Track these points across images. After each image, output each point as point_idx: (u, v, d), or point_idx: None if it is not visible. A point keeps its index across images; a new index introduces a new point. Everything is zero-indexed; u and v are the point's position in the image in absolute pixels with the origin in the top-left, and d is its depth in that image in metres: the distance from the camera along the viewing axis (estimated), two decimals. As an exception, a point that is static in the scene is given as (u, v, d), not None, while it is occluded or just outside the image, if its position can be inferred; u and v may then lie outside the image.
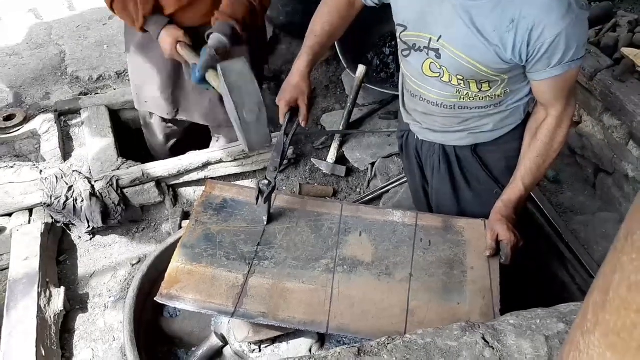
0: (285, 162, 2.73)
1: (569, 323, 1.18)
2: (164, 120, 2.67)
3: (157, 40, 2.23)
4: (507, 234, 1.67)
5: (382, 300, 1.63)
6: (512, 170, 1.78)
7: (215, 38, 2.04)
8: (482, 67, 1.54)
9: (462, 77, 1.61)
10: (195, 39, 2.19)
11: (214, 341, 1.93)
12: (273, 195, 1.82)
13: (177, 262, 1.70)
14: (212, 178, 2.64)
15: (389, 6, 1.73)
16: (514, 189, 1.71)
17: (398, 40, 1.70)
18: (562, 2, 1.40)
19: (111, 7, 2.27)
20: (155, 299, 1.64)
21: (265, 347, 1.87)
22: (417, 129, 1.92)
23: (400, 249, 1.78)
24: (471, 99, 1.68)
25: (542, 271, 2.42)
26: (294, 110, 1.79)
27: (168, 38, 2.18)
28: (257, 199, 1.73)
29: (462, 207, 1.96)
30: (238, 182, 2.70)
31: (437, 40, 1.56)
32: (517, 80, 1.62)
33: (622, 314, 0.63)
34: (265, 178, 1.75)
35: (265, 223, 1.81)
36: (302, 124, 1.79)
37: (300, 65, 1.80)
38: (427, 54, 1.62)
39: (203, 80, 1.95)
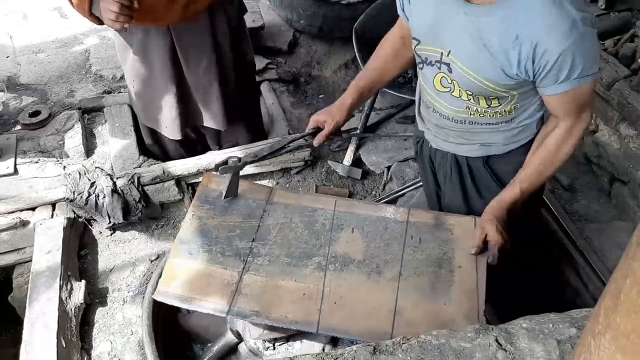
0: (302, 163, 2.77)
1: (580, 328, 1.21)
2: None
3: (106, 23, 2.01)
4: (495, 235, 1.68)
5: (371, 300, 1.65)
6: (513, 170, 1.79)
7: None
8: (489, 83, 1.55)
9: (471, 93, 1.63)
10: None
11: (230, 337, 1.97)
12: (243, 180, 1.91)
13: (174, 258, 1.72)
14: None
15: None
16: (510, 191, 1.72)
17: (414, 52, 1.73)
18: (565, 20, 1.38)
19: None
20: (152, 296, 1.67)
21: (280, 345, 1.90)
22: (430, 137, 1.94)
23: (390, 247, 1.79)
24: (481, 115, 1.70)
25: (555, 278, 2.43)
26: (318, 130, 1.88)
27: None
28: (217, 166, 1.77)
29: (472, 208, 1.97)
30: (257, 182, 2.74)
31: (447, 55, 1.58)
32: (527, 96, 1.63)
33: (632, 317, 0.66)
34: (239, 159, 1.80)
35: (223, 198, 1.85)
36: (314, 143, 1.87)
37: (344, 97, 1.90)
38: (439, 68, 1.64)
39: None
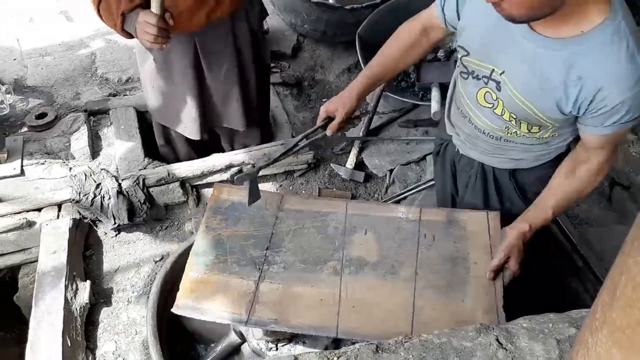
0: (305, 166, 2.79)
1: (579, 328, 1.23)
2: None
3: (138, 39, 2.05)
4: (516, 267, 1.67)
5: (388, 302, 1.66)
6: (535, 184, 1.80)
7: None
8: (539, 112, 1.54)
9: (515, 116, 1.61)
10: None
11: (233, 338, 1.99)
12: (268, 190, 1.87)
13: (191, 272, 1.73)
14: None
15: None
16: (543, 217, 1.70)
17: (458, 60, 1.71)
18: (634, 73, 1.37)
19: (98, 10, 2.11)
20: (172, 310, 1.67)
21: (282, 345, 1.91)
22: (458, 143, 1.94)
23: (404, 247, 1.80)
24: (518, 136, 1.70)
25: (555, 281, 2.44)
26: (330, 120, 1.83)
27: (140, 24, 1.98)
28: (233, 177, 1.71)
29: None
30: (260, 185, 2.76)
31: (500, 75, 1.56)
32: (566, 126, 1.63)
33: (628, 312, 0.68)
34: (253, 165, 1.81)
35: (248, 205, 1.79)
36: (327, 132, 1.82)
37: (354, 83, 1.85)
38: (486, 84, 1.62)
39: None
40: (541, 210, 1.70)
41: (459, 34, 1.68)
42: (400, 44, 1.86)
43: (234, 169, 1.82)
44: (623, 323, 0.69)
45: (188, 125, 2.60)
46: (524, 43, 1.48)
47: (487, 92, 1.64)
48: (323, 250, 1.80)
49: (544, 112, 1.54)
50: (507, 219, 1.91)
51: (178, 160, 2.82)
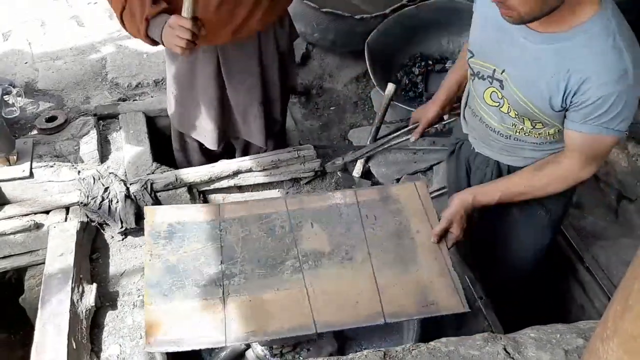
0: (312, 174, 2.80)
1: (587, 339, 1.23)
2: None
3: (162, 44, 2.00)
4: (458, 231, 1.77)
5: (353, 287, 1.70)
6: (557, 197, 1.81)
7: None
8: (535, 108, 1.58)
9: (517, 113, 1.66)
10: None
11: (237, 344, 1.99)
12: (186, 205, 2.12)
13: (150, 305, 1.68)
14: (240, 187, 2.72)
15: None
16: (489, 196, 1.78)
17: (467, 64, 1.79)
18: (619, 66, 1.39)
19: (121, 17, 2.06)
20: (144, 349, 1.66)
21: (287, 352, 1.91)
22: (474, 141, 1.98)
23: (352, 231, 1.85)
24: (527, 134, 1.73)
25: (561, 293, 2.44)
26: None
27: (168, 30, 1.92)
28: (323, 165, 2.14)
29: (505, 220, 2.01)
30: (266, 192, 2.77)
31: (501, 73, 1.62)
32: None
33: (639, 322, 0.68)
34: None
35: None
36: (411, 139, 2.20)
37: (437, 94, 2.18)
38: (491, 83, 1.68)
39: None
40: (491, 189, 1.79)
41: (469, 38, 1.77)
42: (462, 63, 2.03)
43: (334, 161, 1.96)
44: (635, 332, 0.69)
45: (207, 135, 2.63)
46: (519, 40, 1.54)
47: (493, 91, 1.69)
48: (277, 252, 1.81)
49: (539, 108, 1.57)
50: (523, 219, 1.97)
51: (191, 167, 2.85)
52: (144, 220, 1.95)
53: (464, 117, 2.00)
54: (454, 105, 2.17)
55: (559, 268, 2.46)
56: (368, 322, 1.64)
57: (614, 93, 1.41)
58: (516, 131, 1.74)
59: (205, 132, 2.62)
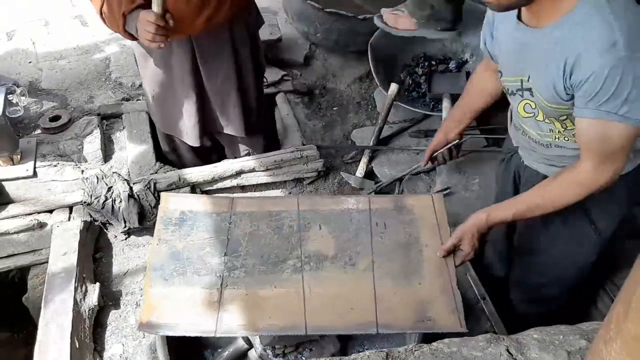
0: (315, 174, 2.80)
1: (590, 340, 1.22)
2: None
3: (140, 39, 2.07)
4: (469, 249, 1.74)
5: (351, 293, 1.69)
6: (610, 214, 1.78)
7: None
8: (545, 101, 1.58)
9: (545, 115, 1.66)
10: None
11: (240, 344, 1.99)
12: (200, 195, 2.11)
13: (150, 287, 1.71)
14: (243, 186, 2.72)
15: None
16: (503, 217, 1.74)
17: (501, 84, 1.81)
18: (606, 39, 1.35)
19: (101, 13, 2.14)
20: (137, 329, 1.68)
21: (289, 352, 1.92)
22: (523, 154, 1.96)
23: (359, 237, 1.84)
24: (565, 138, 1.69)
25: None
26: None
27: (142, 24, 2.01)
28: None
29: (550, 236, 1.96)
30: (269, 192, 2.77)
31: (528, 81, 1.61)
32: None
33: (642, 323, 0.68)
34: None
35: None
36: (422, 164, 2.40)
37: (450, 114, 2.28)
38: (522, 96, 1.67)
39: None
40: (507, 204, 1.76)
41: (498, 62, 1.80)
42: (470, 93, 2.12)
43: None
44: (637, 334, 0.69)
45: (189, 132, 2.64)
46: (531, 42, 1.54)
47: (527, 103, 1.69)
48: (281, 250, 1.82)
49: (548, 100, 1.57)
50: (569, 235, 1.90)
51: (184, 167, 2.85)
52: (159, 206, 1.99)
53: (511, 133, 2.00)
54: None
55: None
56: (360, 330, 1.65)
57: (605, 66, 1.34)
58: (554, 137, 1.71)
59: (187, 129, 2.64)
